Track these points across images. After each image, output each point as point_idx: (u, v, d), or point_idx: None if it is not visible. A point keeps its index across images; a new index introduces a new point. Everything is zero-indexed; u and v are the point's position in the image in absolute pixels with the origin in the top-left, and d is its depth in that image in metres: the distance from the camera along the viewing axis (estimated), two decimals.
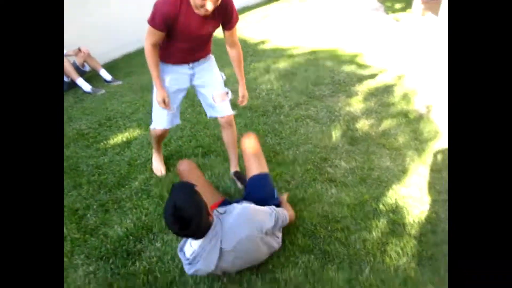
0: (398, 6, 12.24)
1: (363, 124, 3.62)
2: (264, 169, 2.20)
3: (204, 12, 1.97)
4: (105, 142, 3.36)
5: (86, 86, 4.59)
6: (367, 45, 6.74)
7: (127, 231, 2.26)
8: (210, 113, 2.56)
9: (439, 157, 3.03)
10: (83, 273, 1.99)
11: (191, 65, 2.35)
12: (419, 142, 3.26)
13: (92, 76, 5.01)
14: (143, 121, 3.73)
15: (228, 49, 2.37)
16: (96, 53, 5.10)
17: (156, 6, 2.02)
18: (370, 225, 2.27)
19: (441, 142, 3.24)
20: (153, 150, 2.89)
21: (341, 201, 2.48)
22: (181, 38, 2.14)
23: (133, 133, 3.50)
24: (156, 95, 2.34)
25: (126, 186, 2.71)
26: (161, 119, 2.48)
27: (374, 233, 2.21)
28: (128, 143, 3.33)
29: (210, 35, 2.26)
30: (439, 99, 3.94)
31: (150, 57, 2.21)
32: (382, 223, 2.30)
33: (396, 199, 2.51)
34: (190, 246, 1.72)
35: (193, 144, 3.22)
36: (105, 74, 4.93)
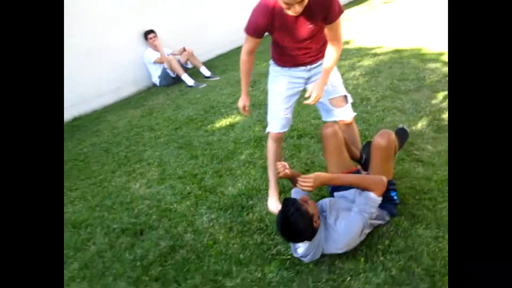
0: None
1: (446, 115, 3.75)
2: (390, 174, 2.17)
3: (293, 13, 1.87)
4: (211, 125, 3.90)
5: (189, 81, 5.23)
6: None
7: (239, 191, 2.71)
8: (325, 117, 2.48)
9: None
10: (207, 219, 2.46)
11: (308, 67, 2.26)
12: None
13: (193, 73, 5.65)
14: None
15: (328, 44, 2.15)
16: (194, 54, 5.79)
17: (252, 14, 2.01)
18: None
19: None
20: (269, 183, 2.57)
21: (428, 177, 2.70)
22: (285, 41, 2.10)
23: (235, 118, 3.99)
24: (239, 101, 2.42)
25: (235, 159, 3.18)
26: (275, 123, 2.42)
27: None
28: (231, 126, 3.82)
29: (316, 34, 2.11)
30: None
31: (243, 64, 2.25)
32: None
33: None
34: (299, 246, 2.01)
35: (289, 128, 3.62)
36: (205, 71, 5.56)
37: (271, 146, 2.49)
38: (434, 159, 2.97)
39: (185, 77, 5.26)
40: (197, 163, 3.16)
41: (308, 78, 2.31)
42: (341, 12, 1.98)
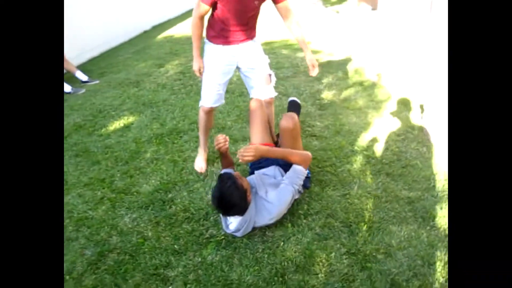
0: None
1: (326, 95, 4.26)
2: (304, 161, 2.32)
3: None
4: (105, 129, 3.71)
5: (66, 87, 4.84)
6: (313, 34, 7.45)
7: (155, 187, 2.69)
8: (253, 94, 2.69)
9: (392, 111, 3.72)
10: (129, 219, 2.40)
11: (240, 45, 2.48)
12: (375, 102, 3.95)
13: (67, 78, 5.23)
14: (134, 109, 4.11)
15: (286, 22, 2.52)
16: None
17: None
18: (351, 160, 2.88)
19: (392, 101, 3.95)
20: (200, 144, 2.91)
21: (324, 148, 3.07)
22: (227, 11, 2.31)
23: (128, 120, 3.87)
24: (193, 64, 2.54)
25: (140, 158, 3.11)
26: (208, 97, 2.61)
27: (354, 165, 2.82)
28: (126, 127, 3.70)
29: (256, 12, 2.42)
30: (386, 69, 4.68)
31: (194, 28, 2.44)
32: (359, 158, 2.91)
33: (366, 142, 3.15)
34: (231, 222, 2.13)
35: (187, 122, 3.67)
36: (81, 75, 5.20)
37: (202, 116, 2.74)
38: (324, 132, 3.37)
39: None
40: (101, 168, 3.01)
41: (240, 56, 2.54)
42: None
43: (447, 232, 2.13)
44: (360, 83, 4.52)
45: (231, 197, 1.95)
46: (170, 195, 2.60)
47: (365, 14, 10.08)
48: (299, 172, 2.21)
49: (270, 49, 6.46)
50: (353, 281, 1.87)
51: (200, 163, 2.89)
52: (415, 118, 3.55)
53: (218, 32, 2.44)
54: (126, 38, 7.89)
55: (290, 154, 2.25)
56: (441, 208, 2.33)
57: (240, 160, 2.14)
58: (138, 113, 4.03)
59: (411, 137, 3.21)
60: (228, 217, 2.12)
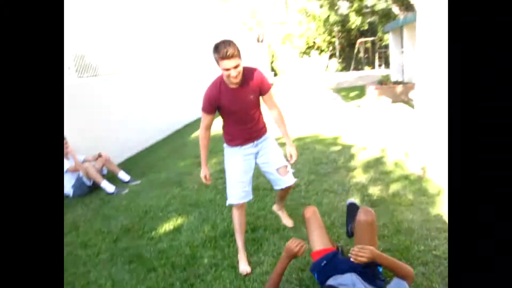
0: (352, 94, 13.84)
1: (373, 190, 4.20)
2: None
3: (233, 80, 2.45)
4: (154, 231, 3.66)
5: (110, 187, 4.91)
6: (341, 128, 7.67)
7: None
8: (276, 186, 2.99)
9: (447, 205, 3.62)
10: None
11: (255, 142, 2.81)
12: (427, 197, 3.87)
13: (110, 178, 5.32)
14: (181, 210, 4.09)
15: (270, 112, 2.87)
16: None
17: (204, 94, 2.64)
18: (422, 262, 2.72)
19: (444, 196, 3.86)
20: (238, 247, 2.95)
21: (389, 249, 2.93)
22: (231, 112, 2.66)
23: (177, 221, 3.83)
24: (201, 172, 2.86)
25: (198, 263, 3.00)
26: (235, 195, 2.83)
27: (428, 267, 2.65)
28: (177, 230, 3.64)
29: (255, 105, 2.71)
30: (431, 162, 4.66)
31: (201, 139, 2.80)
32: (429, 258, 2.75)
33: (430, 240, 3.00)
34: None
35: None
36: (123, 176, 5.30)
37: (235, 214, 2.91)
38: (384, 231, 3.25)
39: (105, 184, 4.92)
40: (159, 275, 2.89)
41: (257, 153, 2.86)
42: (270, 86, 2.75)
43: None
44: (405, 177, 4.48)
45: None
46: None
47: (385, 107, 10.42)
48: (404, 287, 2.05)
49: (303, 144, 6.60)
50: None
51: (244, 267, 2.83)
52: None
53: (232, 135, 2.77)
54: (160, 137, 8.19)
55: (399, 265, 2.11)
56: None
57: (352, 260, 2.02)
58: (186, 214, 3.99)
59: None
60: None
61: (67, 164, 4.90)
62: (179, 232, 3.60)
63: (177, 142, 7.81)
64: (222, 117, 2.76)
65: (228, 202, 2.92)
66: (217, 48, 2.38)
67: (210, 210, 4.03)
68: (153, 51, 8.76)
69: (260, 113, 2.84)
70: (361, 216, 2.38)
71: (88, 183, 5.02)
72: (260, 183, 4.60)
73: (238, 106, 2.63)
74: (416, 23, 4.47)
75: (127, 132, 6.91)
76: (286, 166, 2.92)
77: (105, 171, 5.33)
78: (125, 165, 6.33)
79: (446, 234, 3.08)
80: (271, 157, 2.89)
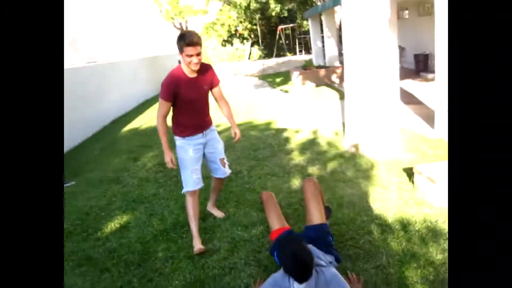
0: (278, 80, 14.19)
1: (313, 170, 4.43)
2: (323, 217, 2.58)
3: (194, 67, 2.73)
4: (100, 232, 3.52)
5: None
6: (272, 114, 7.90)
7: (185, 283, 2.56)
8: (215, 174, 3.31)
9: (381, 177, 3.95)
10: None
11: (204, 133, 3.05)
12: (362, 172, 4.17)
13: None
14: (125, 206, 3.97)
15: (219, 104, 3.16)
16: None
17: (162, 83, 2.82)
18: (367, 231, 2.97)
19: (378, 170, 4.20)
20: (193, 235, 3.05)
21: (336, 222, 3.14)
22: (187, 101, 2.86)
23: (123, 219, 3.72)
24: (165, 157, 2.95)
25: (153, 258, 2.96)
26: (190, 182, 3.02)
27: (373, 235, 2.90)
28: (124, 227, 3.54)
29: (207, 96, 3.01)
30: (362, 139, 5.01)
31: (160, 126, 2.90)
32: (373, 227, 3.01)
33: (372, 211, 3.27)
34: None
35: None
36: None
37: (189, 201, 3.06)
38: (332, 203, 3.45)
39: None
40: (113, 275, 2.81)
41: (205, 144, 3.09)
42: (219, 80, 3.09)
43: None
44: (340, 155, 4.78)
45: (308, 254, 1.98)
46: None
47: (311, 90, 10.87)
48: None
49: None
50: None
51: (198, 246, 2.98)
52: (403, 181, 3.78)
53: (184, 125, 2.96)
54: (88, 134, 7.77)
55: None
56: None
57: None
58: (131, 210, 3.89)
59: (409, 198, 3.40)
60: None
61: None
62: (127, 230, 3.50)
63: (107, 138, 7.47)
64: (176, 108, 2.93)
65: (184, 190, 3.07)
66: (183, 36, 2.65)
67: (156, 204, 3.97)
68: (78, 46, 8.23)
69: (208, 107, 3.09)
70: (305, 185, 2.68)
71: None
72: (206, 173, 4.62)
73: (194, 95, 2.87)
74: (342, 9, 4.72)
75: None
76: (224, 158, 3.26)
77: None
78: None
79: (386, 204, 3.38)
80: (217, 148, 3.18)
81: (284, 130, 6.56)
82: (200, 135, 3.02)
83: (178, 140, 3.00)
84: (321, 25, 15.29)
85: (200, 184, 3.07)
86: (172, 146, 2.97)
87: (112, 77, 9.91)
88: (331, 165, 4.51)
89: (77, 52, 8.74)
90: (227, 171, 3.30)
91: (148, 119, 8.69)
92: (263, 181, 4.28)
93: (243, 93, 11.88)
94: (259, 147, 5.65)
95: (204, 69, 2.92)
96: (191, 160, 2.99)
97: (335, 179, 4.07)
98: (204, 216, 3.54)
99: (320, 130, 6.23)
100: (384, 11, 4.43)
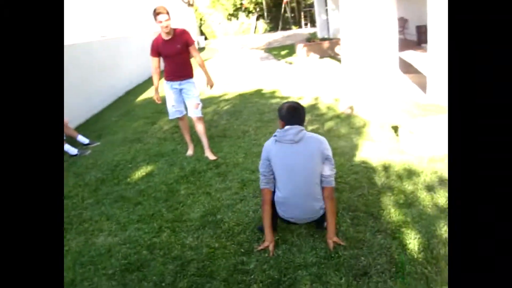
0: (283, 52, 14.56)
1: (312, 129, 5.00)
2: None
3: (165, 30, 3.93)
4: (129, 178, 4.15)
5: (72, 150, 5.22)
6: (277, 83, 8.41)
7: (203, 213, 3.18)
8: (189, 114, 4.41)
9: (371, 133, 4.52)
10: (193, 238, 2.86)
11: (179, 82, 4.24)
12: (355, 129, 4.75)
13: (70, 143, 5.59)
14: (148, 160, 4.59)
15: (194, 57, 4.23)
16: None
17: (150, 45, 4.14)
18: (354, 171, 3.56)
19: (368, 127, 4.76)
20: (187, 142, 4.66)
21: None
22: (166, 57, 4.14)
23: (148, 169, 4.34)
24: (154, 94, 4.51)
25: (176, 195, 3.59)
26: (171, 114, 4.48)
27: (359, 174, 3.50)
28: (149, 175, 4.17)
29: (181, 52, 4.10)
30: (356, 102, 5.55)
31: (153, 73, 4.36)
32: (360, 169, 3.60)
33: (360, 158, 3.86)
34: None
35: (203, 163, 4.22)
36: (82, 139, 5.60)
37: (179, 124, 4.62)
38: None
39: (67, 147, 5.21)
40: (145, 207, 3.44)
41: (181, 90, 4.30)
42: (193, 41, 4.23)
43: (445, 207, 2.82)
44: (337, 116, 5.34)
45: (302, 108, 2.63)
46: (218, 216, 3.10)
47: (314, 62, 11.30)
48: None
49: (246, 99, 7.25)
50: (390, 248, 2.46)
51: (190, 152, 4.61)
52: (390, 136, 4.35)
53: (168, 72, 4.25)
54: (105, 104, 8.37)
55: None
56: (434, 192, 3.03)
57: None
58: (154, 162, 4.51)
59: (393, 149, 3.97)
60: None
61: None
62: (152, 176, 4.13)
63: (123, 107, 8.06)
64: (163, 61, 4.21)
65: (169, 117, 4.60)
66: (155, 9, 3.90)
67: (174, 157, 4.58)
68: (96, 19, 8.73)
69: (187, 62, 4.24)
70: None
71: None
72: (214, 132, 5.22)
73: (169, 52, 4.09)
74: None
75: (74, 100, 7.05)
76: (198, 104, 4.34)
77: (64, 136, 5.58)
78: (78, 131, 6.55)
79: (373, 153, 3.96)
80: (190, 94, 4.30)
81: (288, 97, 7.09)
82: (177, 82, 4.22)
83: (165, 83, 4.30)
84: None
85: (176, 115, 4.42)
86: None
87: (125, 51, 10.42)
88: (328, 124, 5.08)
89: (91, 27, 9.23)
90: (196, 112, 4.32)
91: (161, 90, 9.24)
92: (268, 137, 4.84)
93: (250, 65, 12.35)
94: (264, 111, 6.21)
95: (180, 33, 4.09)
96: (170, 97, 4.31)
97: (331, 136, 4.64)
98: (217, 164, 4.16)
99: (321, 97, 6.76)
100: None
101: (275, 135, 2.60)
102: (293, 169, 2.53)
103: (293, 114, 2.59)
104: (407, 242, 2.51)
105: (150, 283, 2.45)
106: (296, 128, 2.54)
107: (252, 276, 2.38)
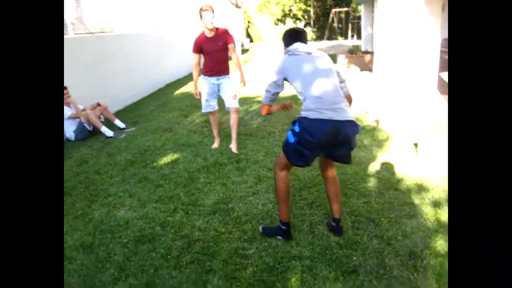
0: None
1: None
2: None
3: (209, 26, 4.30)
4: (156, 163, 4.46)
5: (109, 132, 5.62)
6: None
7: (216, 201, 3.41)
8: (227, 105, 4.73)
9: (392, 147, 4.59)
10: (203, 221, 3.09)
11: (216, 77, 4.56)
12: (377, 142, 4.83)
13: (107, 125, 6.00)
14: (176, 149, 4.89)
15: (231, 55, 4.55)
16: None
17: (194, 42, 4.49)
18: (366, 180, 3.67)
19: (391, 141, 4.83)
20: (215, 135, 4.97)
21: (343, 173, 3.86)
22: (206, 53, 4.45)
23: (174, 156, 4.64)
24: (193, 90, 4.84)
25: (196, 182, 3.85)
26: (204, 107, 4.80)
27: (369, 184, 3.60)
28: (175, 162, 4.46)
29: (222, 50, 4.44)
30: (382, 116, 5.62)
31: (194, 69, 4.70)
32: (372, 179, 3.70)
33: (375, 169, 3.96)
34: None
35: (225, 157, 4.45)
36: (119, 123, 6.00)
37: (211, 117, 4.94)
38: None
39: (104, 129, 5.62)
40: (165, 189, 3.72)
41: (218, 85, 4.63)
42: (234, 40, 4.55)
43: (444, 221, 2.89)
44: (363, 128, 5.42)
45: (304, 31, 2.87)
46: (230, 205, 3.32)
47: (354, 74, 11.33)
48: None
49: (277, 102, 7.42)
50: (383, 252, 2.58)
51: (215, 145, 4.90)
52: (410, 152, 4.41)
53: (206, 67, 4.55)
54: (146, 93, 8.83)
55: None
56: (439, 208, 3.10)
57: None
58: (180, 151, 4.80)
59: (410, 164, 4.04)
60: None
61: (69, 111, 5.55)
62: (177, 163, 4.41)
63: (162, 98, 8.48)
64: (204, 57, 4.53)
65: (202, 111, 4.94)
66: (201, 7, 4.28)
67: (200, 148, 4.85)
68: (144, 13, 9.24)
69: (226, 59, 4.55)
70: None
71: (89, 128, 5.70)
72: (241, 130, 5.45)
73: (210, 48, 4.42)
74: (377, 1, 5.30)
75: (118, 86, 7.54)
76: (235, 95, 4.66)
77: (102, 119, 6.00)
78: (117, 115, 6.98)
79: (388, 165, 4.05)
80: (227, 89, 4.63)
81: None
82: (215, 77, 4.53)
83: (202, 77, 4.60)
84: (373, 11, 15.46)
85: (209, 109, 4.74)
86: None
87: (170, 45, 10.91)
88: None
89: (145, 20, 9.74)
90: (234, 103, 4.63)
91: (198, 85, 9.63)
92: None
93: None
94: (293, 116, 6.37)
95: (222, 32, 4.43)
96: (205, 91, 4.62)
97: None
98: (238, 159, 4.38)
99: (352, 108, 6.83)
100: (419, 7, 4.95)
101: (287, 51, 2.72)
102: (316, 71, 2.61)
103: (299, 34, 2.79)
104: (400, 249, 2.62)
105: (157, 254, 2.69)
106: (305, 44, 2.74)
107: (249, 261, 2.58)
